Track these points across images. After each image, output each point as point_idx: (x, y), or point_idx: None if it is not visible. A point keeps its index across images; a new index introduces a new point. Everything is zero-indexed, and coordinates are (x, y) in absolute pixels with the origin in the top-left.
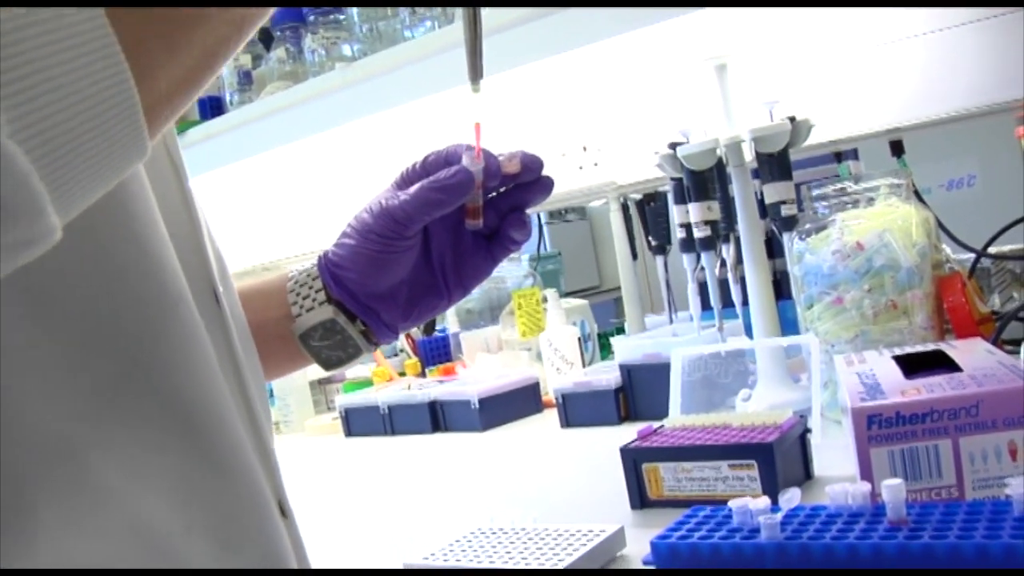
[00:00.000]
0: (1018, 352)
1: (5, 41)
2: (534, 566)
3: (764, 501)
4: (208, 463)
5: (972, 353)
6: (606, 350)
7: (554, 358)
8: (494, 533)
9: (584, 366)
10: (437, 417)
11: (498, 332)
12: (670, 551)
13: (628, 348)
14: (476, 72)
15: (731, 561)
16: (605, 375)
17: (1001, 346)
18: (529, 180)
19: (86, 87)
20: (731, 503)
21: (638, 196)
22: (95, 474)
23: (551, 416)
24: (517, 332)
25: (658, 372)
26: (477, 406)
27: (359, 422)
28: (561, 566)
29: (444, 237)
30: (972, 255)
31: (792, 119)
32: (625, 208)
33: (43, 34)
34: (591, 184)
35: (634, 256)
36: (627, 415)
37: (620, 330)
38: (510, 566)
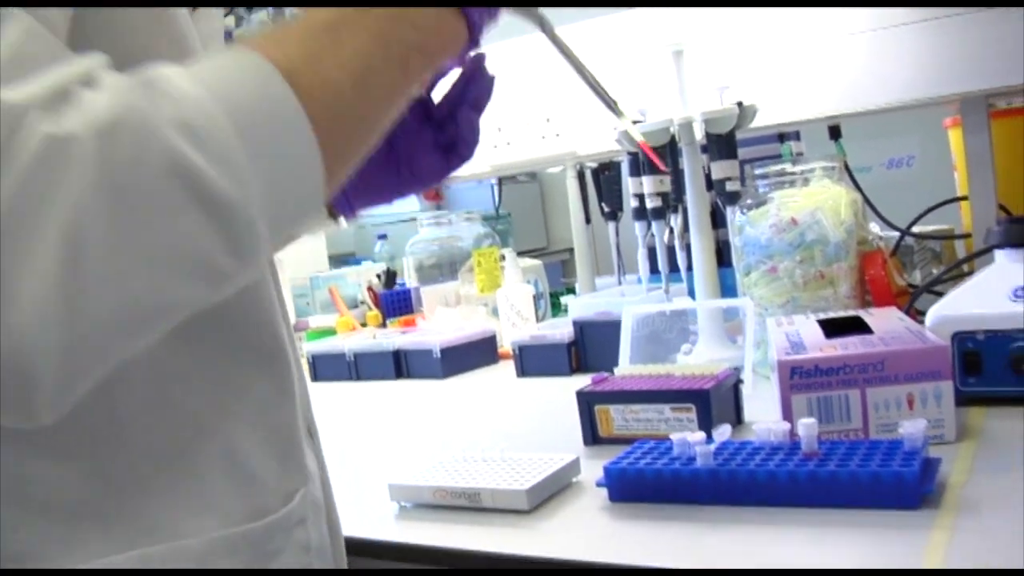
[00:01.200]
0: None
1: (254, 152)
2: (503, 487)
3: (700, 435)
4: (279, 391)
5: (886, 320)
6: (556, 308)
7: (510, 313)
8: (465, 461)
9: (537, 321)
10: (400, 364)
11: (456, 287)
12: (620, 474)
13: (581, 306)
14: None
15: (671, 482)
16: (559, 330)
17: (914, 315)
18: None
19: (297, 184)
20: (671, 435)
21: (594, 165)
22: (192, 405)
23: (507, 366)
24: (475, 288)
25: (608, 328)
26: (439, 355)
27: (325, 368)
28: (527, 487)
29: (405, 141)
30: (898, 233)
31: (740, 104)
32: (580, 175)
33: (282, 146)
34: (552, 153)
35: (587, 221)
36: (578, 367)
37: (570, 290)
38: (483, 486)
